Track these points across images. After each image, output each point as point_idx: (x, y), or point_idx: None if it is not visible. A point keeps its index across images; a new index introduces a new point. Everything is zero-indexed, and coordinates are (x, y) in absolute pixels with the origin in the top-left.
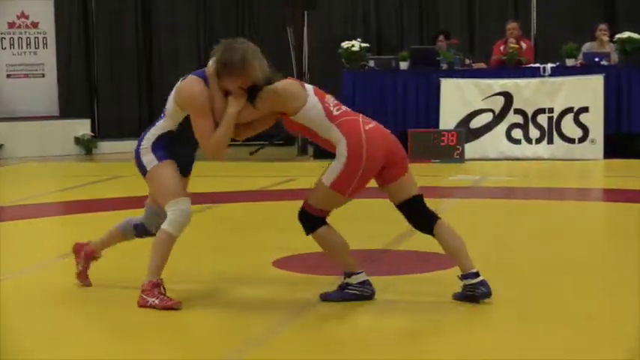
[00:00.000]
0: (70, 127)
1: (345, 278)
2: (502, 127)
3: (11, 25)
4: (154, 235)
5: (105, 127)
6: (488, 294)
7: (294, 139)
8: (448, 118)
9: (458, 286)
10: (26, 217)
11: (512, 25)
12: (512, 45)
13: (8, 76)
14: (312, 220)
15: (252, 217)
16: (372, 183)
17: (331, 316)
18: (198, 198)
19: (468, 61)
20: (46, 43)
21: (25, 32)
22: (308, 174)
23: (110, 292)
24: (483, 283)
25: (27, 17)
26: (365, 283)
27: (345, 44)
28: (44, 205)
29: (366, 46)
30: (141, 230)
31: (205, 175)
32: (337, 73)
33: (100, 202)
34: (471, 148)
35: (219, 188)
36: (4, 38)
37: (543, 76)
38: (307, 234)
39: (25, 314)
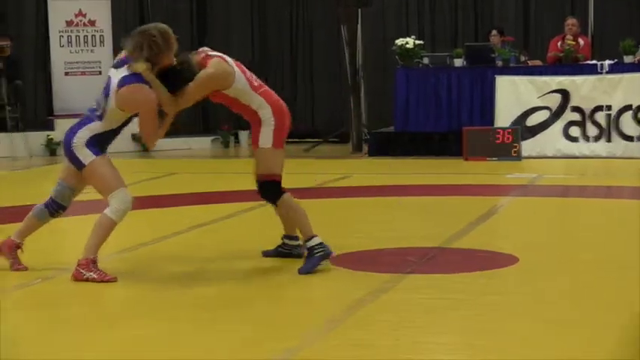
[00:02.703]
0: None
1: (305, 242)
2: (559, 125)
3: (69, 23)
4: (63, 207)
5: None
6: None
7: (348, 136)
8: (503, 116)
9: (514, 284)
10: (82, 214)
11: (571, 22)
12: (569, 42)
13: (66, 73)
14: (274, 188)
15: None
16: (428, 180)
17: (385, 313)
18: (252, 196)
19: (523, 58)
20: (103, 41)
21: (83, 30)
22: (362, 171)
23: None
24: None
25: (84, 15)
26: (322, 243)
27: (399, 41)
28: (100, 201)
29: (420, 43)
30: (53, 206)
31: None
32: (391, 71)
33: (156, 198)
34: (527, 146)
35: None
36: (62, 36)
37: (601, 73)
38: (275, 204)
39: (74, 310)
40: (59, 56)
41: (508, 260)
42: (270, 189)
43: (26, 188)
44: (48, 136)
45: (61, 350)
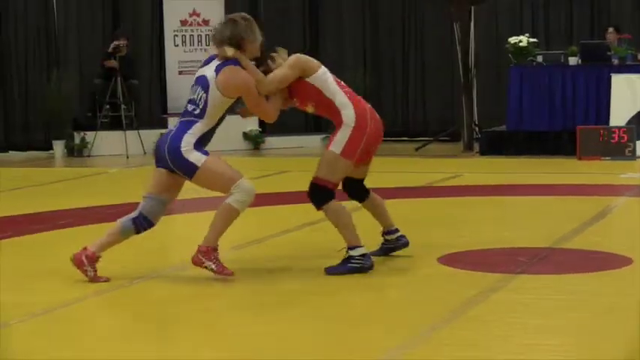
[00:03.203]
0: (238, 122)
1: (348, 250)
2: None
3: (183, 22)
4: (153, 225)
5: (272, 123)
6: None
7: (459, 135)
8: (619, 115)
9: (628, 285)
10: (196, 211)
11: None
12: None
13: (180, 72)
14: (323, 194)
15: (417, 214)
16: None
17: (495, 313)
18: None
19: None
20: None
21: (197, 30)
22: (474, 170)
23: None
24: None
25: (198, 15)
26: (365, 256)
27: (513, 39)
28: (212, 199)
29: (534, 41)
30: (141, 223)
31: (370, 171)
32: (504, 69)
33: (266, 196)
34: None
35: (385, 184)
36: (177, 36)
37: None
38: (318, 208)
39: (187, 306)
40: (173, 55)
41: (622, 261)
42: (317, 194)
43: (140, 185)
44: (161, 134)
45: (177, 348)
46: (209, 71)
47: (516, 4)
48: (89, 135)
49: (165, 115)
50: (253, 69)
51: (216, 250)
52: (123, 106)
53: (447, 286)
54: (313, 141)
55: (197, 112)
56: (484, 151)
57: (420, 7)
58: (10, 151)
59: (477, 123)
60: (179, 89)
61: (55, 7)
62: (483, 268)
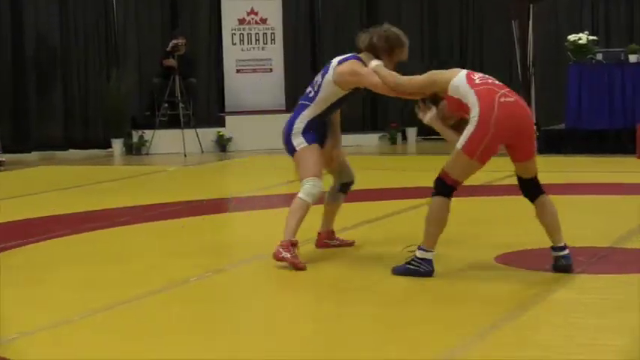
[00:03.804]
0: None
1: (417, 250)
2: None
3: (241, 21)
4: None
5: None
6: (570, 266)
7: None
8: None
9: None
10: (257, 209)
11: None
12: None
13: (237, 71)
14: (439, 185)
15: (474, 212)
16: (599, 178)
17: (554, 313)
18: (421, 192)
19: None
20: (274, 39)
21: (254, 28)
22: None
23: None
24: (567, 256)
25: (256, 14)
26: (425, 261)
27: (572, 37)
28: (274, 196)
29: (594, 39)
30: (344, 187)
31: (424, 169)
32: (563, 67)
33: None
34: None
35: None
36: (235, 34)
37: None
38: (432, 196)
39: (247, 302)
40: (231, 54)
41: None
42: (436, 183)
43: (197, 183)
44: (219, 132)
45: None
46: (335, 61)
47: (576, 2)
48: (147, 133)
49: (222, 114)
50: (384, 71)
51: (295, 244)
52: (181, 105)
53: (506, 286)
54: (370, 139)
55: (311, 94)
56: (542, 150)
57: (480, 4)
58: (70, 149)
59: (535, 121)
60: (236, 88)
61: (114, 6)
62: (542, 267)
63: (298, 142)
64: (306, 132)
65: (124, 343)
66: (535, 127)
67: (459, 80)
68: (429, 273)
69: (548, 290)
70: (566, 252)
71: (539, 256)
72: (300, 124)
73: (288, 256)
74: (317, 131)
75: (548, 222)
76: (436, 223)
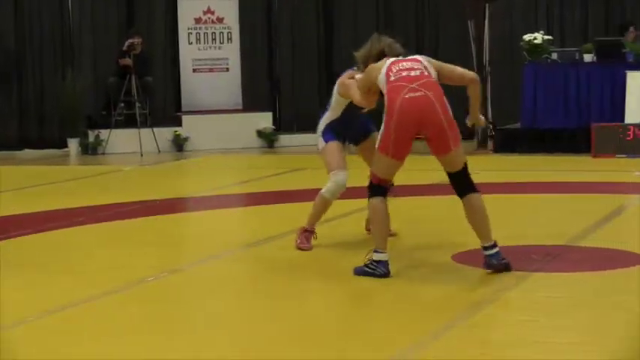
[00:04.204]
0: (252, 120)
1: (369, 254)
2: None
3: (198, 20)
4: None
5: (286, 121)
6: (502, 264)
7: (473, 132)
8: (634, 113)
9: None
10: (210, 208)
11: None
12: None
13: (194, 70)
14: (372, 188)
15: (429, 211)
16: (554, 177)
17: (508, 312)
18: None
19: None
20: (231, 38)
21: (211, 27)
22: (488, 168)
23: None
24: (496, 254)
25: (212, 13)
26: (380, 263)
27: (527, 37)
28: (228, 196)
29: (549, 39)
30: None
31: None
32: (518, 66)
33: (282, 193)
34: None
35: (395, 182)
36: (191, 33)
37: None
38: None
39: (203, 302)
40: (187, 53)
41: (636, 259)
42: (369, 187)
43: (154, 183)
44: (175, 132)
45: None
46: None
47: (531, 2)
48: (103, 133)
49: (179, 113)
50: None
51: (310, 231)
52: (137, 104)
53: (461, 285)
54: None
55: (330, 102)
56: (498, 149)
57: (435, 3)
58: (25, 149)
59: (491, 120)
60: (193, 87)
61: (69, 5)
62: None
63: (320, 142)
64: (325, 133)
65: (81, 343)
66: (490, 125)
67: (382, 75)
68: (384, 275)
69: (503, 289)
70: (494, 251)
71: None
72: (321, 126)
73: (298, 240)
74: (335, 131)
75: (475, 221)
76: (377, 224)
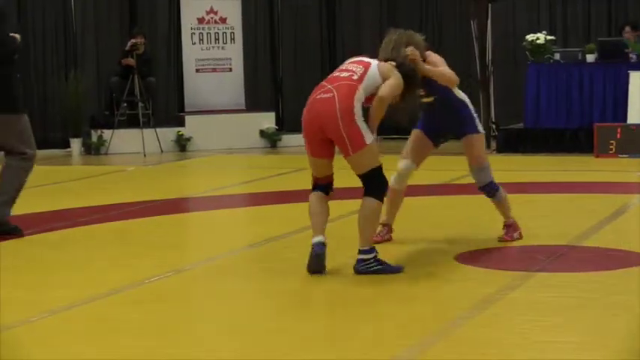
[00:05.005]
0: (255, 120)
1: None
2: None
3: (201, 20)
4: None
5: (289, 120)
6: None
7: None
8: (637, 112)
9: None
10: (213, 209)
11: None
12: None
13: (197, 70)
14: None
15: (434, 211)
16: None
17: (512, 311)
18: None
19: None
20: (234, 38)
21: (214, 28)
22: (491, 168)
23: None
24: (358, 261)
25: (215, 13)
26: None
27: (530, 37)
28: (230, 196)
29: (552, 39)
30: None
31: (388, 169)
32: (521, 66)
33: (285, 193)
34: None
35: None
36: (194, 33)
37: None
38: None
39: (205, 303)
40: (190, 53)
41: (638, 259)
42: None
43: (157, 183)
44: (178, 132)
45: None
46: None
47: (534, 2)
48: (106, 133)
49: (182, 113)
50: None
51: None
52: (140, 104)
53: (465, 285)
54: None
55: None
56: (501, 149)
57: (438, 4)
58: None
59: (494, 120)
60: (196, 87)
61: (72, 6)
62: (501, 266)
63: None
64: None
65: (83, 343)
66: (494, 125)
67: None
68: (317, 255)
69: (507, 288)
70: (358, 256)
71: (499, 254)
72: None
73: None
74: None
75: (358, 224)
76: (311, 216)
